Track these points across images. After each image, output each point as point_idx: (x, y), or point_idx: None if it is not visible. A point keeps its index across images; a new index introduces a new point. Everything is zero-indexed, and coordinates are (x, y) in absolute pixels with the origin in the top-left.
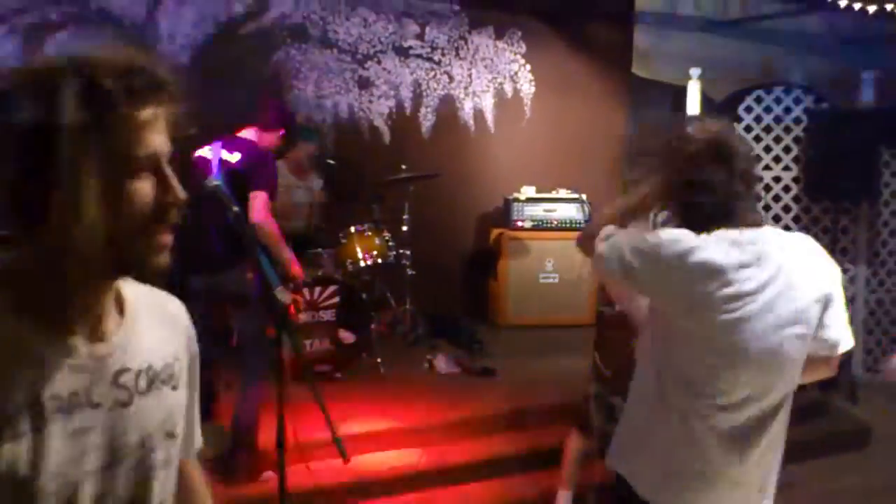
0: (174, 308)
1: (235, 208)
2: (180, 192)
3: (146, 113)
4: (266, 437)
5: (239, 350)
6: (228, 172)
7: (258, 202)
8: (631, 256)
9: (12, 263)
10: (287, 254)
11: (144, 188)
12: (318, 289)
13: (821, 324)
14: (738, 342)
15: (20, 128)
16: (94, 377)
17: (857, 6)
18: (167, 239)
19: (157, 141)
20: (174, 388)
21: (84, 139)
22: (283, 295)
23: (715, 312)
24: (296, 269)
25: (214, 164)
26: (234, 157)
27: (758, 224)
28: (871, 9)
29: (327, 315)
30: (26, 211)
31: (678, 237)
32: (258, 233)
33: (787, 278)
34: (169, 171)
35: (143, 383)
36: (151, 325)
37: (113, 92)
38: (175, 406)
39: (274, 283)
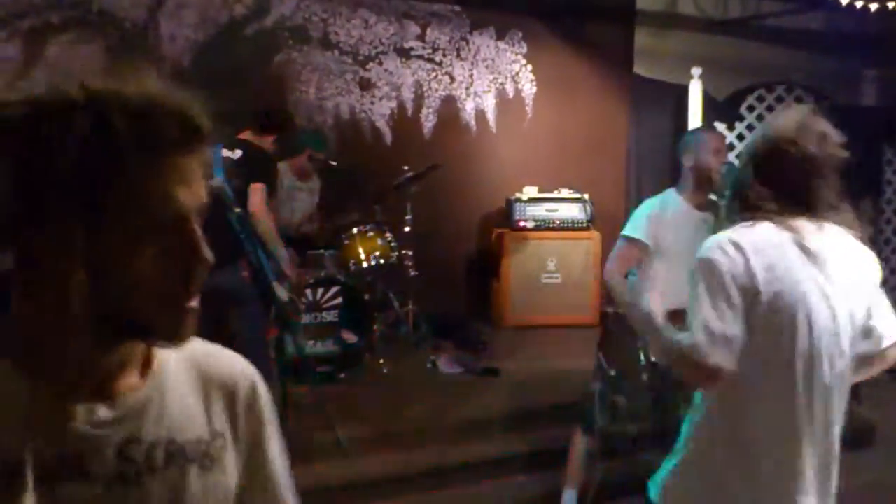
0: (229, 372)
1: (238, 209)
2: (207, 254)
3: (170, 162)
4: None
5: (238, 353)
6: (230, 168)
7: (256, 194)
8: (722, 325)
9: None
10: (282, 251)
11: (161, 249)
12: (320, 290)
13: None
14: (813, 335)
15: (13, 161)
16: (91, 444)
17: (858, 4)
18: (192, 304)
19: (183, 195)
20: (205, 468)
21: (81, 189)
22: (281, 291)
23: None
24: (289, 268)
25: (215, 162)
26: (236, 154)
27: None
28: (874, 6)
29: (330, 316)
30: (12, 247)
31: (723, 250)
32: (254, 224)
33: (851, 275)
34: (196, 228)
35: (159, 458)
36: (186, 392)
37: (125, 135)
38: (204, 490)
39: (271, 276)
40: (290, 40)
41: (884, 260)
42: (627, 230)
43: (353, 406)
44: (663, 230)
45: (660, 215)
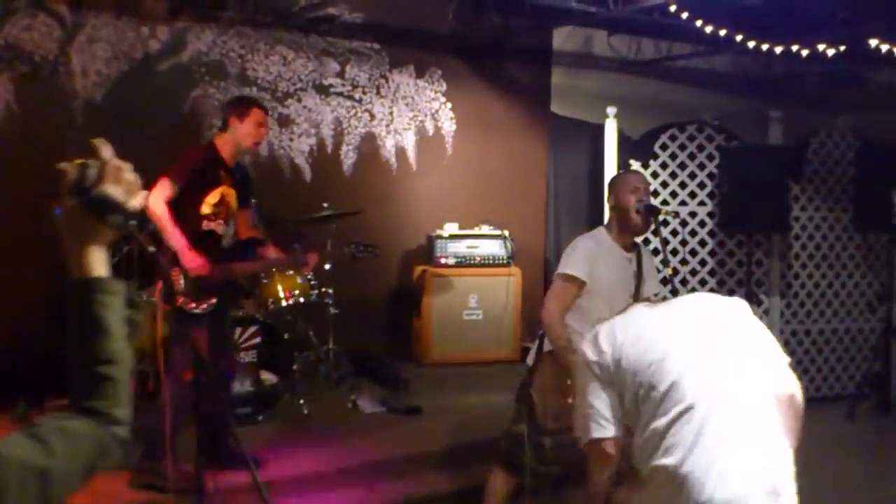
0: None
1: (151, 248)
2: None
3: None
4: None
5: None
6: None
7: (156, 186)
8: None
9: None
10: (177, 243)
11: None
12: (238, 329)
13: None
14: None
15: None
16: None
17: (764, 47)
18: None
19: None
20: None
21: None
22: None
23: None
24: (188, 260)
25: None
26: None
27: None
28: (778, 49)
29: (248, 356)
30: None
31: None
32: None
33: None
34: None
35: None
36: None
37: None
38: None
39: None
40: (207, 76)
41: (794, 294)
42: (566, 268)
43: (273, 448)
44: (598, 267)
45: (594, 252)
